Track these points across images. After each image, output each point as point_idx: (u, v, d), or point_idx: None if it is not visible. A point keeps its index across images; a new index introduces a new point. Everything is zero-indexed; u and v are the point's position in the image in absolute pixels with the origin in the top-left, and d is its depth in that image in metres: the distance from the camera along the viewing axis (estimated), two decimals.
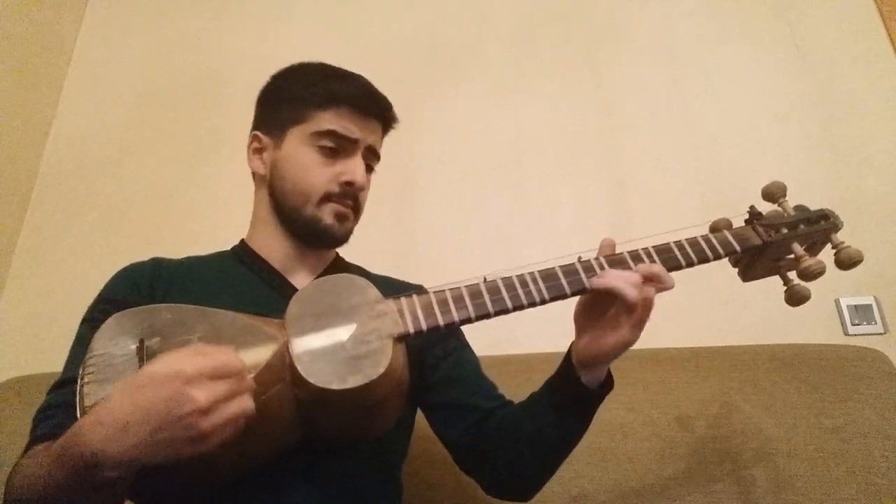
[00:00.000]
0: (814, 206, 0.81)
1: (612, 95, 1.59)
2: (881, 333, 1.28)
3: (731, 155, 1.47)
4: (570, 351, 0.74)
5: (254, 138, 0.91)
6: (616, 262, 0.71)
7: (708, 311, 1.34)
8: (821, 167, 1.43)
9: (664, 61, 1.60)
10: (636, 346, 0.99)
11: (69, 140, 1.81)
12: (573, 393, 0.72)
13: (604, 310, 0.69)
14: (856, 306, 1.30)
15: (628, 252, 0.72)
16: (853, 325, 1.29)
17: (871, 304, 1.30)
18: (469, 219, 1.52)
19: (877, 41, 1.52)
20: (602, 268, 0.70)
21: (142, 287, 0.80)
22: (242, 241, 0.92)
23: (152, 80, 1.85)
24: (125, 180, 1.72)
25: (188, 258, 0.90)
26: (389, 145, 1.62)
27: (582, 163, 1.54)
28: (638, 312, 0.66)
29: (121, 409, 0.54)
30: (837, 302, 1.31)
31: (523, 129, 1.59)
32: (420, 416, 0.90)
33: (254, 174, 0.91)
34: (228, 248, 0.93)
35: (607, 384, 0.74)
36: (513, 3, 1.74)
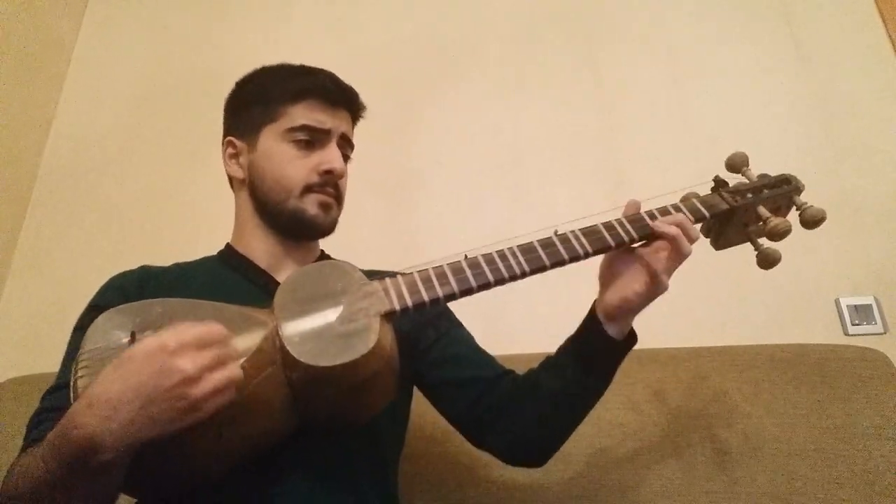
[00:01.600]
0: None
1: (612, 95, 1.59)
2: (881, 333, 1.28)
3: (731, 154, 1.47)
4: (593, 308, 0.77)
5: (228, 144, 0.92)
6: (592, 233, 0.74)
7: (708, 311, 1.34)
8: (821, 167, 1.42)
9: (664, 61, 1.60)
10: (636, 346, 0.99)
11: (69, 140, 1.81)
12: (600, 346, 0.75)
13: (627, 263, 0.74)
14: (856, 306, 1.30)
15: (602, 223, 0.76)
16: (853, 325, 1.29)
17: (871, 304, 1.30)
18: (468, 219, 1.52)
19: (877, 41, 1.52)
20: (578, 240, 0.73)
21: (131, 294, 0.80)
22: (228, 244, 0.93)
23: (152, 80, 1.85)
24: (125, 180, 1.72)
25: (175, 265, 0.91)
26: (389, 145, 1.63)
27: (581, 163, 1.54)
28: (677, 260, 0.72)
29: (111, 389, 0.54)
30: (837, 302, 1.31)
31: (522, 129, 1.59)
32: (418, 416, 0.90)
33: (232, 179, 0.93)
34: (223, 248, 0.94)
35: (630, 339, 0.77)
36: (512, 3, 1.74)
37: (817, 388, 1.05)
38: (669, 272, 0.72)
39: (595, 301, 0.77)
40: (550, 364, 0.80)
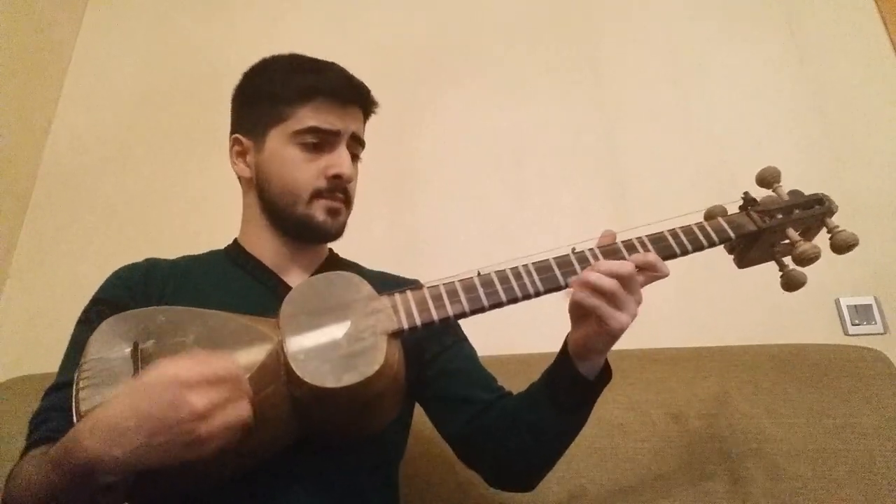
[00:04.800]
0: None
1: (613, 95, 1.59)
2: (881, 333, 1.28)
3: (732, 155, 1.47)
4: (566, 343, 0.74)
5: (235, 142, 0.89)
6: (610, 252, 0.71)
7: (708, 311, 1.34)
8: (821, 167, 1.42)
9: (664, 61, 1.60)
10: (636, 346, 0.99)
11: (69, 140, 1.81)
12: (571, 385, 0.72)
13: None
14: (856, 306, 1.30)
15: (622, 242, 0.72)
16: (853, 325, 1.29)
17: (871, 304, 1.30)
18: (470, 217, 1.52)
19: (877, 41, 1.52)
20: (596, 258, 0.70)
21: (136, 288, 0.80)
22: (235, 240, 0.91)
23: (152, 80, 1.85)
24: (125, 180, 1.72)
25: (182, 258, 0.90)
26: (390, 145, 1.63)
27: (582, 161, 1.54)
28: (615, 305, 0.65)
29: (119, 414, 0.54)
30: (837, 302, 1.31)
31: (523, 128, 1.59)
32: (419, 416, 0.90)
33: (239, 177, 0.91)
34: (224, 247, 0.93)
35: (605, 375, 0.73)
36: (514, 4, 1.74)
37: (817, 388, 1.05)
38: (615, 317, 0.65)
39: (567, 335, 0.73)
40: (528, 396, 0.78)
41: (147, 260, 0.87)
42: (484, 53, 1.70)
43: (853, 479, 0.96)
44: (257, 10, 1.89)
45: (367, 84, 0.90)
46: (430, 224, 1.53)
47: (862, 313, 1.30)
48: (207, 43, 1.86)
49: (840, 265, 1.33)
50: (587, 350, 0.70)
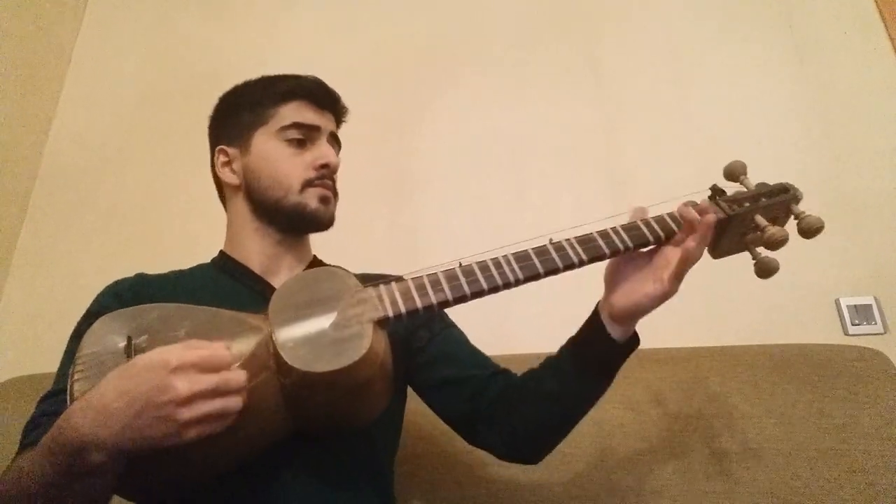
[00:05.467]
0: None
1: (613, 95, 1.59)
2: (881, 333, 1.28)
3: (731, 155, 1.45)
4: (596, 311, 0.76)
5: (220, 152, 0.94)
6: (586, 240, 0.74)
7: (708, 311, 1.34)
8: (821, 167, 1.42)
9: (664, 61, 1.60)
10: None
11: (69, 140, 1.81)
12: (601, 349, 0.74)
13: (637, 266, 0.74)
14: (856, 306, 1.30)
15: (597, 231, 0.75)
16: (853, 325, 1.29)
17: (871, 304, 1.30)
18: (468, 220, 1.52)
19: (877, 41, 1.52)
20: (573, 247, 0.73)
21: (127, 301, 0.80)
22: (221, 251, 0.93)
23: (152, 81, 1.85)
24: (125, 180, 1.72)
25: (171, 272, 0.91)
26: (389, 145, 1.63)
27: (581, 163, 1.54)
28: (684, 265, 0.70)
29: (108, 394, 0.55)
30: (837, 302, 1.31)
31: (523, 130, 1.59)
32: (418, 414, 0.90)
33: (223, 187, 0.95)
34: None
35: (633, 342, 0.76)
36: (513, 4, 1.74)
37: (817, 388, 1.05)
38: (680, 276, 0.70)
39: (598, 303, 0.76)
40: (551, 364, 0.80)
41: (137, 274, 0.89)
42: (484, 53, 1.70)
43: (853, 479, 0.96)
44: (257, 11, 1.89)
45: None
46: (430, 224, 1.53)
47: (862, 313, 1.30)
48: (207, 43, 1.86)
49: (840, 265, 1.34)
50: (633, 315, 0.72)
